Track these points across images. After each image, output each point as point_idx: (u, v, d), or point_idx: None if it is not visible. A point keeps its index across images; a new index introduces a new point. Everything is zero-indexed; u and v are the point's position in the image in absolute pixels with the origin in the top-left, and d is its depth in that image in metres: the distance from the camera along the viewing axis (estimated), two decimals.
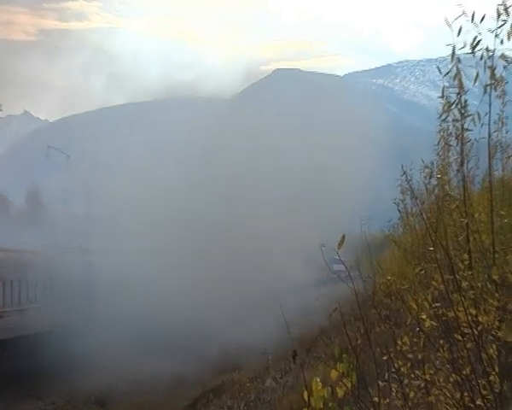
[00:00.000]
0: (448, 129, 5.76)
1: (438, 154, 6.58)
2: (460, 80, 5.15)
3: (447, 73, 5.00)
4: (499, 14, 4.91)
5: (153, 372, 27.81)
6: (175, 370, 28.47)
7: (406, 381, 5.38)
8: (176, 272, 39.55)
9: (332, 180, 45.83)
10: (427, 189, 7.32)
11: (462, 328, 5.09)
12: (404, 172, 7.39)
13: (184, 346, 31.79)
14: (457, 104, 5.22)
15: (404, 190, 8.19)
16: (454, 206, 5.73)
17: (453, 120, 5.28)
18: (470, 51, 4.92)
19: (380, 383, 5.15)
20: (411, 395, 5.36)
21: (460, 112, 5.18)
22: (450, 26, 5.06)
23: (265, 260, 39.24)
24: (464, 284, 5.30)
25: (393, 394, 5.32)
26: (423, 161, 7.44)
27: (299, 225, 38.95)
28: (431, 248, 5.60)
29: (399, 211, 8.34)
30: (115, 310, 34.64)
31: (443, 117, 5.27)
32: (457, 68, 5.03)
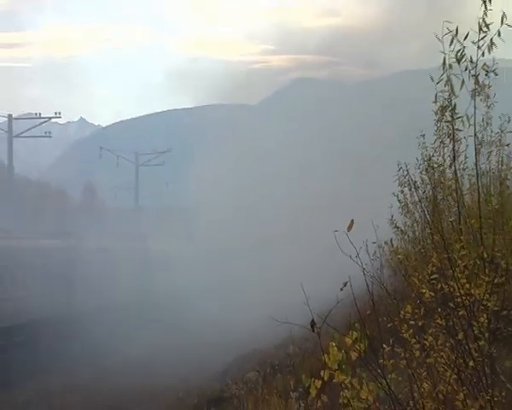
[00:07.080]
0: (443, 129, 7.00)
1: (435, 151, 8.04)
2: (451, 86, 5.99)
3: (439, 81, 5.99)
4: (480, 28, 5.57)
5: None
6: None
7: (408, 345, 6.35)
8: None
9: None
10: (422, 181, 8.89)
11: (456, 299, 6.03)
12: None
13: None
14: (449, 108, 6.39)
15: (402, 182, 9.87)
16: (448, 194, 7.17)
17: (445, 121, 6.57)
18: (456, 62, 5.69)
19: (385, 347, 6.28)
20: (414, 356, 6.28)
21: (451, 115, 6.42)
22: (440, 40, 5.86)
23: None
24: (459, 262, 6.16)
25: (398, 356, 6.29)
26: (417, 160, 9.06)
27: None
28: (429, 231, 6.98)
29: (399, 201, 10.14)
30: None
31: (437, 119, 6.58)
32: (448, 76, 5.82)
